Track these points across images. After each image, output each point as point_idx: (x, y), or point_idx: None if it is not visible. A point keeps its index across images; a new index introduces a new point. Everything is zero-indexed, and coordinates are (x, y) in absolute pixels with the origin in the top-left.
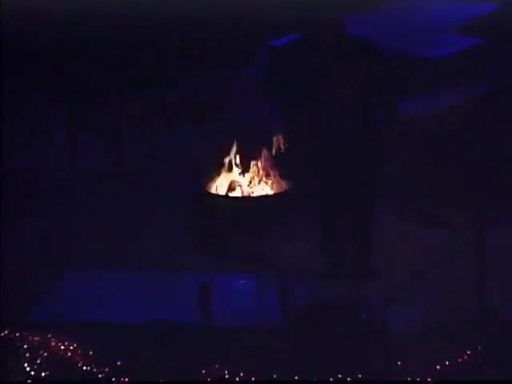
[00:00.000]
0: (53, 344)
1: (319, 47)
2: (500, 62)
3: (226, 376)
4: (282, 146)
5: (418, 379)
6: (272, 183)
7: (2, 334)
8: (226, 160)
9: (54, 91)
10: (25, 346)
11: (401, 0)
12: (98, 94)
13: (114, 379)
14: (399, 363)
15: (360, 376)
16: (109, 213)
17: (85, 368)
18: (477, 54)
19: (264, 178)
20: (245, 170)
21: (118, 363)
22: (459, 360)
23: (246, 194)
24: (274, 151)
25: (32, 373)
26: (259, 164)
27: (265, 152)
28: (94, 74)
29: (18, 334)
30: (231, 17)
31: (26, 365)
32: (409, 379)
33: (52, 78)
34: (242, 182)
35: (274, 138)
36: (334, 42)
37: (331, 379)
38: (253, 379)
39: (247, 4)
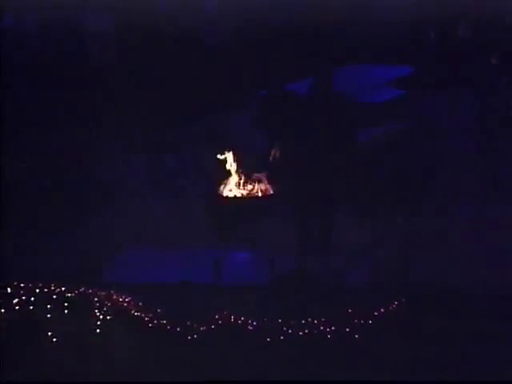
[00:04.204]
0: (114, 297)
1: (295, 95)
2: (417, 107)
3: (232, 319)
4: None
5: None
6: (263, 188)
7: (80, 290)
8: (232, 172)
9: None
10: (95, 299)
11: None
12: (148, 129)
13: (156, 321)
14: (349, 310)
15: (323, 320)
16: (154, 208)
17: (136, 314)
18: (402, 101)
19: (257, 184)
20: (245, 178)
21: (159, 310)
22: (390, 308)
23: (245, 195)
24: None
25: (101, 317)
26: (255, 175)
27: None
28: (145, 117)
29: (90, 290)
30: (235, 76)
31: (96, 311)
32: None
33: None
34: (243, 187)
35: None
36: (307, 93)
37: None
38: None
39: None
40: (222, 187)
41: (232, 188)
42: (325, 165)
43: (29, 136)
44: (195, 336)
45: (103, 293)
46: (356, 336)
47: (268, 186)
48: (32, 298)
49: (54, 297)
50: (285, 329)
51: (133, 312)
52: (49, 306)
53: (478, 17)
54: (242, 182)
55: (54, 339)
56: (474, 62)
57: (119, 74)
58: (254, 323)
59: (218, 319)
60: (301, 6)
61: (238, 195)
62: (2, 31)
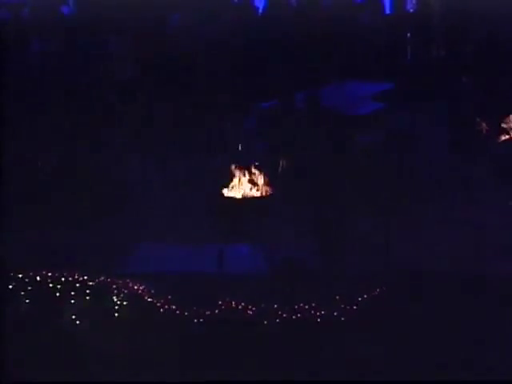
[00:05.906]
0: (130, 285)
1: (291, 108)
2: (396, 117)
3: (233, 305)
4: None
5: None
6: (262, 189)
7: (100, 279)
8: (233, 175)
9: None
10: (113, 286)
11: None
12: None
13: (166, 306)
14: (337, 297)
15: (314, 305)
16: (164, 207)
17: (149, 300)
18: (383, 112)
19: (256, 186)
20: (245, 181)
21: (169, 297)
22: (372, 295)
23: (246, 196)
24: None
25: (118, 302)
26: (254, 178)
27: (257, 170)
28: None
29: (109, 280)
30: (236, 90)
31: (114, 297)
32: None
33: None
34: (244, 188)
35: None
36: (303, 105)
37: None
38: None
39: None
40: (227, 189)
41: (236, 190)
42: (322, 170)
43: (58, 142)
44: (201, 320)
45: (120, 281)
46: (342, 319)
47: (268, 188)
48: (58, 286)
49: (78, 285)
50: (280, 313)
51: (146, 298)
52: (73, 293)
53: (450, 37)
54: (244, 184)
55: (78, 322)
56: (446, 79)
57: (132, 89)
58: (253, 308)
59: (221, 305)
60: (299, 25)
61: (241, 196)
62: (31, 53)
